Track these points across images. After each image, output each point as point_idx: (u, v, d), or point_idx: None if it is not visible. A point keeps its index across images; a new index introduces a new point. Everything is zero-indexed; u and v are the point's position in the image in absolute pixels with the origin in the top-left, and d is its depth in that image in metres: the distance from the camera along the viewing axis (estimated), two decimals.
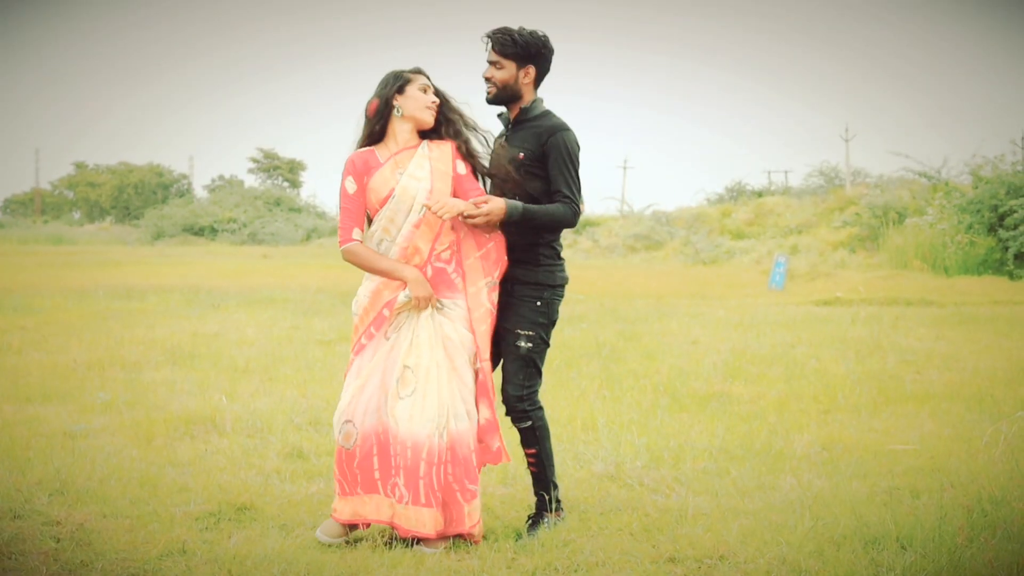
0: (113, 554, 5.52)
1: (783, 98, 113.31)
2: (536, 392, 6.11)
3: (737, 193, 54.05)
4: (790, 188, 53.54)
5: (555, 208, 5.95)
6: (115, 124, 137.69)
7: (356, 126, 6.05)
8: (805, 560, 5.45)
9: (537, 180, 6.02)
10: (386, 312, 5.89)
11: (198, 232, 61.23)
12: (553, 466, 6.19)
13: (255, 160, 78.50)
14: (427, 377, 5.82)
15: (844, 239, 34.21)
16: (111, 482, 6.85)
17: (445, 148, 6.01)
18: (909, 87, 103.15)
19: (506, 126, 6.22)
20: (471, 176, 6.02)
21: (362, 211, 5.90)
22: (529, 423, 6.07)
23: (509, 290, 6.06)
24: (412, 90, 5.92)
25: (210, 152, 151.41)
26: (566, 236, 50.04)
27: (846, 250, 33.09)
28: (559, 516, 6.11)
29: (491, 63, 6.06)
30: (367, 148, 5.95)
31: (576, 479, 7.04)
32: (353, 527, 5.92)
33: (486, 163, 6.10)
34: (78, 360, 12.07)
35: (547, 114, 6.11)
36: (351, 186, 5.87)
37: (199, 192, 78.87)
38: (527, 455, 6.15)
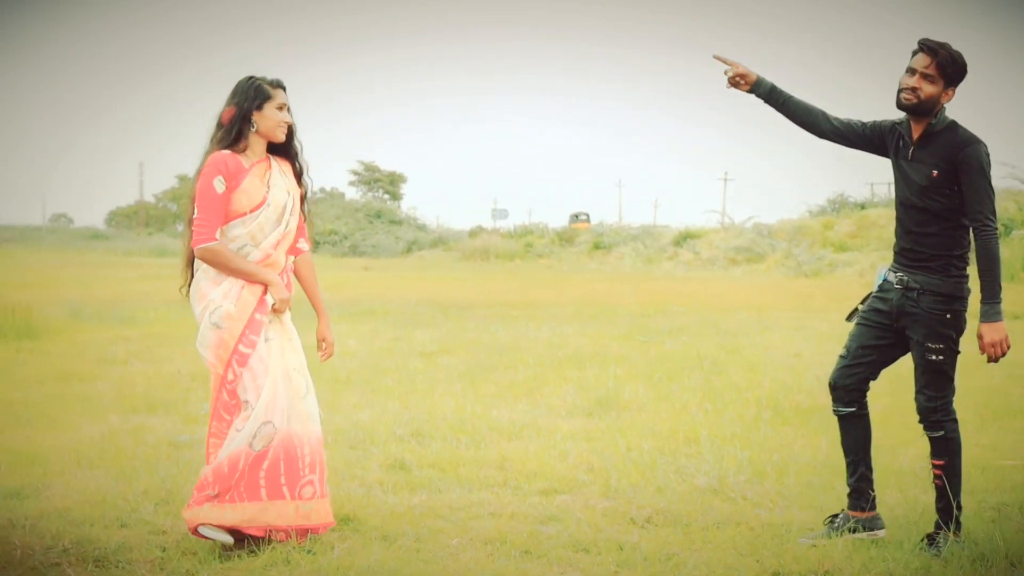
0: (218, 563, 5.57)
1: (887, 110, 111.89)
2: (950, 402, 5.97)
3: (839, 205, 53.51)
4: (893, 200, 52.84)
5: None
6: None
7: (208, 129, 5.99)
8: None
9: (945, 198, 5.90)
10: (259, 316, 5.84)
11: None
12: (959, 483, 5.99)
13: (356, 172, 79.22)
14: (306, 376, 5.97)
15: None
16: None
17: (287, 168, 6.10)
18: (1015, 95, 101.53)
19: (900, 140, 6.09)
20: (300, 201, 6.12)
21: (224, 212, 5.82)
22: (941, 433, 5.96)
23: (915, 299, 5.96)
24: (270, 108, 5.91)
25: (311, 164, 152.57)
26: (666, 249, 49.92)
27: None
28: (957, 538, 5.86)
29: (922, 74, 5.84)
30: (230, 152, 5.87)
31: (678, 492, 7.00)
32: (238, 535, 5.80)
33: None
34: (182, 371, 12.21)
35: (954, 126, 5.93)
36: (220, 186, 5.78)
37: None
38: (933, 467, 6.00)
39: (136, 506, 6.58)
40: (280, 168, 6.03)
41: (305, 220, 6.19)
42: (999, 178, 54.59)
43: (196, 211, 5.79)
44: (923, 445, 8.40)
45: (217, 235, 5.77)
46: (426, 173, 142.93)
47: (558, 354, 14.24)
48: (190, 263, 6.07)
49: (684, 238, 50.11)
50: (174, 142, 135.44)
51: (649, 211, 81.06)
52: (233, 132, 5.88)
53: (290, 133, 6.04)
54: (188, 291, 6.11)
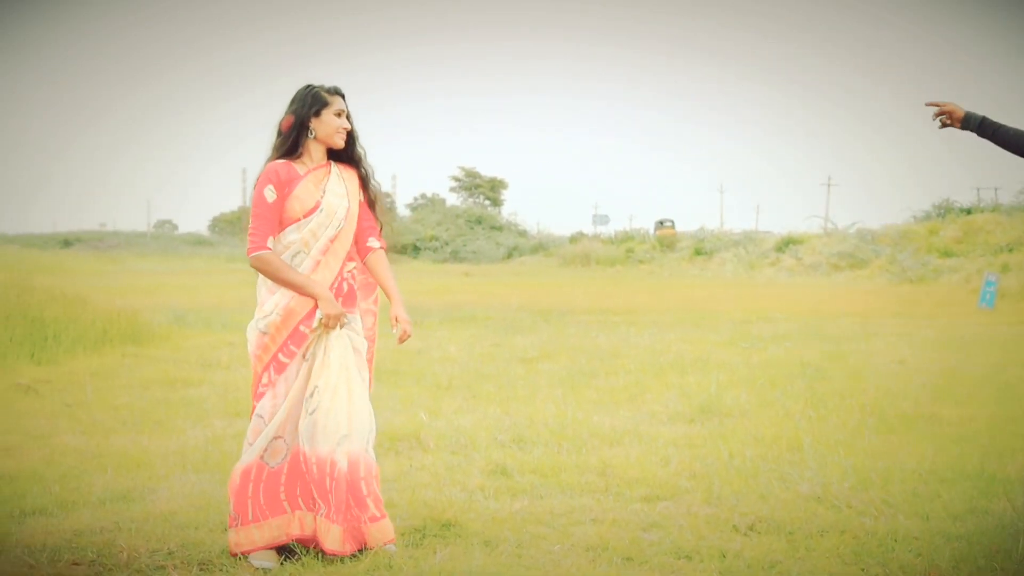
0: (321, 567, 5.61)
1: (992, 113, 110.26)
2: None
3: (945, 210, 52.78)
4: (1000, 205, 52.06)
5: None
6: None
7: (269, 139, 6.01)
8: None
9: None
10: (303, 328, 5.82)
11: (401, 250, 62.19)
12: None
13: (457, 179, 79.45)
14: (333, 396, 5.78)
15: None
16: None
17: (352, 174, 6.08)
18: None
19: None
20: (369, 207, 6.13)
21: (277, 221, 5.84)
22: None
23: None
24: (327, 115, 5.92)
25: (412, 171, 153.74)
26: (768, 255, 49.56)
27: None
28: None
29: None
30: (285, 160, 5.90)
31: (782, 500, 6.94)
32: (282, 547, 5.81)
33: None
34: None
35: None
36: (271, 195, 5.80)
37: (401, 210, 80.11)
38: None
39: None
40: (341, 174, 6.05)
41: (378, 220, 6.21)
42: None
43: (250, 221, 5.85)
44: None
45: (269, 243, 5.79)
46: (527, 179, 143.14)
47: (660, 360, 14.20)
48: None
49: (786, 244, 49.77)
50: None
51: (751, 217, 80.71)
52: (291, 139, 5.93)
53: (351, 139, 6.07)
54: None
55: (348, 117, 6.01)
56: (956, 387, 11.65)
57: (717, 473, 7.64)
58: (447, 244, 62.50)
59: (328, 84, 6.00)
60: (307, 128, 5.92)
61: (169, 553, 5.80)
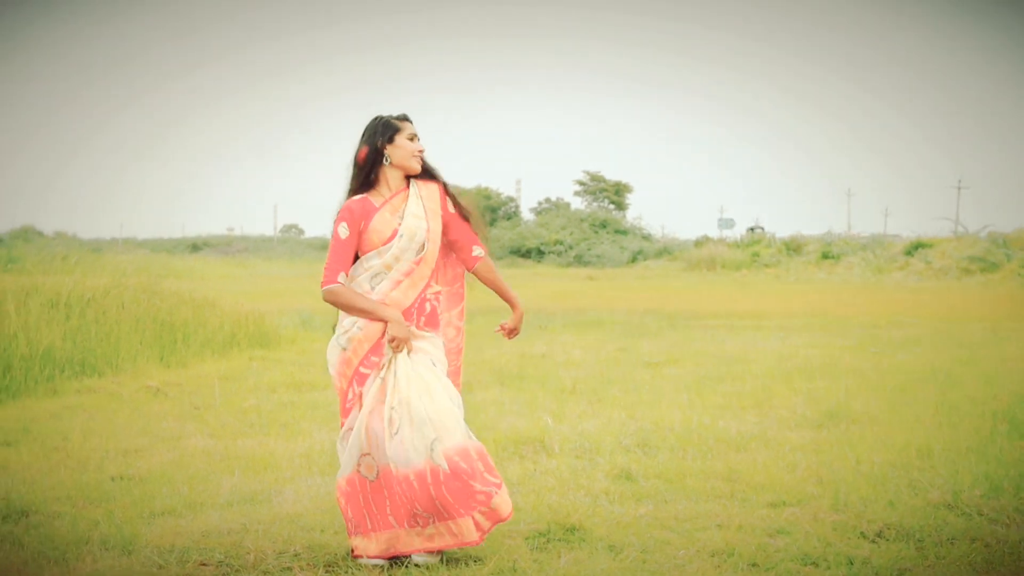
0: (444, 570, 5.65)
1: (885, 110, 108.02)
2: None
3: None
4: None
5: None
6: (446, 148, 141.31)
7: (345, 173, 6.11)
8: None
9: None
10: (384, 341, 5.90)
11: (525, 254, 62.40)
12: None
13: (581, 183, 79.45)
14: (411, 410, 5.77)
15: None
16: None
17: (432, 188, 6.11)
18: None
19: None
20: (459, 215, 6.15)
21: (351, 257, 5.91)
22: None
23: None
24: (401, 139, 6.00)
25: (537, 175, 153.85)
26: (897, 259, 48.90)
27: None
28: None
29: None
30: (361, 196, 6.00)
31: (911, 507, 6.84)
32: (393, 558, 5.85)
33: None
34: None
35: None
36: (344, 232, 5.89)
37: (526, 214, 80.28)
38: None
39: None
40: (420, 194, 6.09)
41: (473, 229, 6.24)
42: None
43: (327, 254, 5.97)
44: None
45: (340, 278, 5.86)
46: (652, 183, 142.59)
47: (786, 365, 14.08)
48: None
49: (915, 247, 49.08)
50: None
51: (879, 220, 79.46)
52: (366, 169, 6.04)
53: (426, 162, 6.16)
54: None
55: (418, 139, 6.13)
56: None
57: (844, 479, 7.55)
58: (571, 248, 62.54)
59: (395, 113, 6.11)
60: (383, 156, 6.03)
61: (295, 555, 5.88)
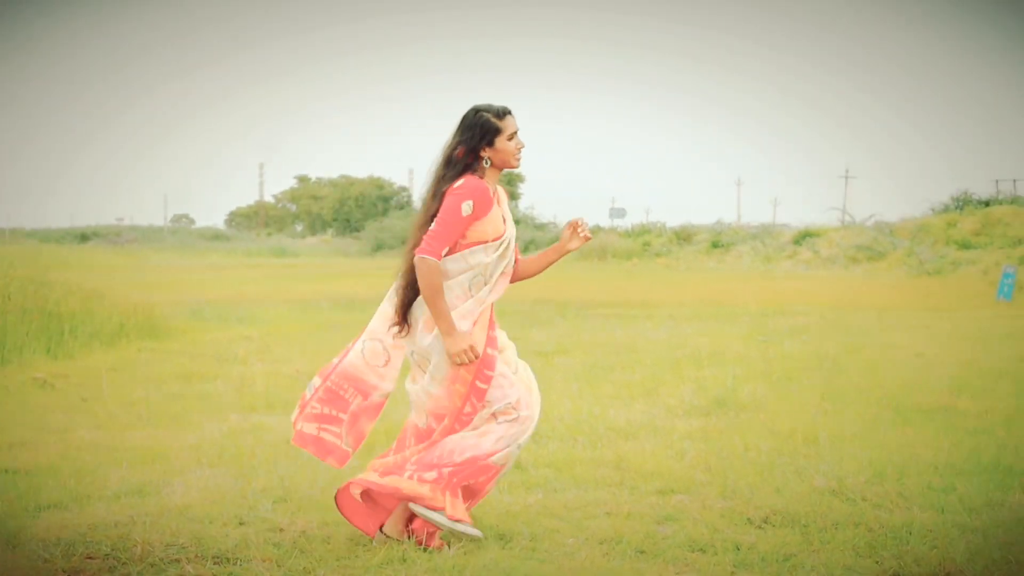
0: (334, 561, 5.62)
1: (1012, 106, 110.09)
2: None
3: (963, 203, 52.68)
4: (1019, 197, 51.92)
5: None
6: (337, 138, 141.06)
7: (434, 161, 5.92)
8: None
9: None
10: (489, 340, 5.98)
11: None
12: None
13: None
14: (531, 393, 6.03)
15: None
16: (333, 490, 6.96)
17: (505, 194, 6.02)
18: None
19: None
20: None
21: (459, 237, 5.76)
22: None
23: None
24: (501, 142, 5.79)
25: (418, 168, 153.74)
26: (786, 248, 49.49)
27: None
28: None
29: None
30: (482, 180, 5.78)
31: (797, 493, 6.93)
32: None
33: None
34: (301, 370, 12.34)
35: None
36: (467, 209, 5.68)
37: (418, 204, 79.89)
38: None
39: (254, 504, 6.66)
40: (504, 198, 5.99)
41: None
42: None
43: (434, 224, 5.71)
44: None
45: (442, 255, 5.71)
46: (545, 173, 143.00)
47: (676, 354, 14.18)
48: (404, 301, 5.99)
49: (804, 237, 49.67)
50: (294, 143, 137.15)
51: (769, 210, 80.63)
52: (459, 167, 5.81)
53: None
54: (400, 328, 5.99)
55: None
56: (973, 380, 11.62)
57: (732, 466, 7.63)
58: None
59: (496, 105, 5.85)
60: (481, 159, 5.81)
61: (183, 547, 5.81)
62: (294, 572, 5.49)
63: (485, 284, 5.91)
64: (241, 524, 6.28)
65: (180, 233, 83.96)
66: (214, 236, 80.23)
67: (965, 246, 40.22)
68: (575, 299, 25.61)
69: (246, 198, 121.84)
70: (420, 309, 5.83)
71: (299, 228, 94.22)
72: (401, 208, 78.48)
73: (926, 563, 5.55)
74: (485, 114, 5.78)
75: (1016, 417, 9.52)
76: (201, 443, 8.57)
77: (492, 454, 5.75)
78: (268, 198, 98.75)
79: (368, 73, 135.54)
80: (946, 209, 51.84)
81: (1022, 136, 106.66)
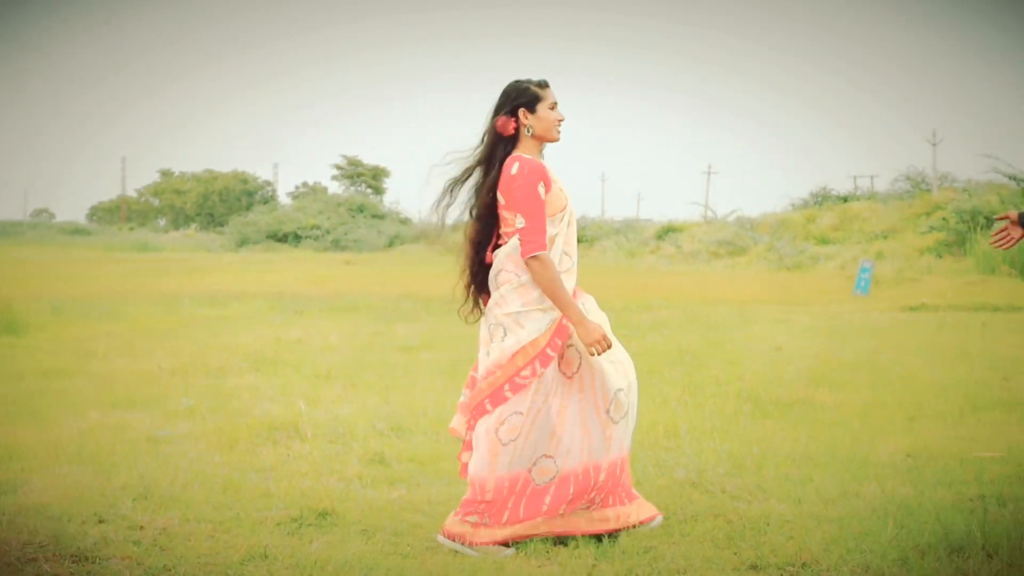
0: (195, 559, 5.57)
1: (869, 103, 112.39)
2: None
3: (822, 198, 53.72)
4: (876, 193, 53.02)
5: None
6: (200, 132, 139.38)
7: (476, 144, 5.92)
8: (889, 568, 5.39)
9: None
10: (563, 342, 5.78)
11: (282, 239, 61.72)
12: None
13: (339, 167, 78.97)
14: (632, 394, 5.91)
15: (931, 244, 33.90)
16: (194, 487, 6.91)
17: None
18: (998, 90, 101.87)
19: None
20: None
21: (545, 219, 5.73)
22: None
23: None
24: (543, 109, 5.80)
25: (294, 159, 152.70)
26: (649, 243, 49.95)
27: (932, 255, 32.80)
28: None
29: None
30: (534, 159, 5.77)
31: (658, 486, 7.00)
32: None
33: None
34: (162, 366, 12.20)
35: None
36: (543, 192, 5.68)
37: (283, 199, 79.49)
38: None
39: (114, 501, 6.57)
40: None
41: None
42: (984, 172, 54.65)
43: (524, 219, 5.64)
44: (901, 438, 8.47)
45: (547, 245, 5.66)
46: (410, 167, 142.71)
47: None
48: (471, 284, 6.17)
49: (666, 231, 50.11)
50: (156, 137, 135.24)
51: (632, 205, 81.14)
52: (501, 143, 5.81)
53: None
54: (469, 313, 6.19)
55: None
56: (831, 373, 11.84)
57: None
58: (328, 233, 62.04)
59: (535, 78, 5.85)
60: (524, 127, 5.77)
61: (41, 546, 5.71)
62: (154, 570, 5.43)
63: (567, 257, 5.84)
64: (101, 522, 6.19)
65: (40, 228, 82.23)
66: (75, 231, 78.72)
67: (824, 241, 40.93)
68: (440, 294, 25.50)
69: (108, 192, 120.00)
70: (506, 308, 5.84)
71: (162, 223, 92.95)
72: (265, 202, 77.70)
73: (783, 553, 5.64)
74: (525, 82, 5.83)
75: (871, 409, 9.72)
76: (60, 440, 8.41)
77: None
78: (130, 192, 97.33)
79: (230, 66, 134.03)
80: (805, 205, 52.80)
81: (878, 132, 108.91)
